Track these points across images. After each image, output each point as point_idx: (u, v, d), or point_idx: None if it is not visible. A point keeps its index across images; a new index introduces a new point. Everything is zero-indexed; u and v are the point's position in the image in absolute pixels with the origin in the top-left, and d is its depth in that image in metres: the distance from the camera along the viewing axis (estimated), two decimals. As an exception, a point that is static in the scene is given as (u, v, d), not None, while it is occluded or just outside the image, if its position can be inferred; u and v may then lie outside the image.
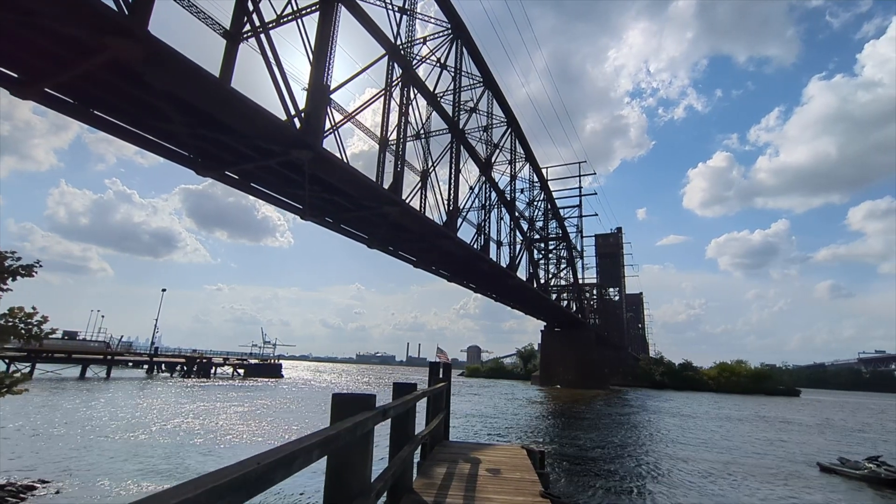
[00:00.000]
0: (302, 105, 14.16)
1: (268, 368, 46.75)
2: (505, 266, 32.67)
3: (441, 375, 7.80)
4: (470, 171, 32.19)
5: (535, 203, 45.01)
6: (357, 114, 18.59)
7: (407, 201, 20.62)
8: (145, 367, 40.81)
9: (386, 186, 19.00)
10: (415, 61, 22.51)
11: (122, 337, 55.87)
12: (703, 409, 31.89)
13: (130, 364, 43.07)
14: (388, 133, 20.58)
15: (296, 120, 13.62)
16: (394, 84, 19.72)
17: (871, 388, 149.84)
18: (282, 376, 46.52)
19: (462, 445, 6.88)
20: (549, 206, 49.39)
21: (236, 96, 11.32)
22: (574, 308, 58.54)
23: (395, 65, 20.91)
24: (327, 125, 16.12)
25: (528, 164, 40.14)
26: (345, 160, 16.54)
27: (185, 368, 39.14)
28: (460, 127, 27.43)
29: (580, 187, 65.07)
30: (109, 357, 31.45)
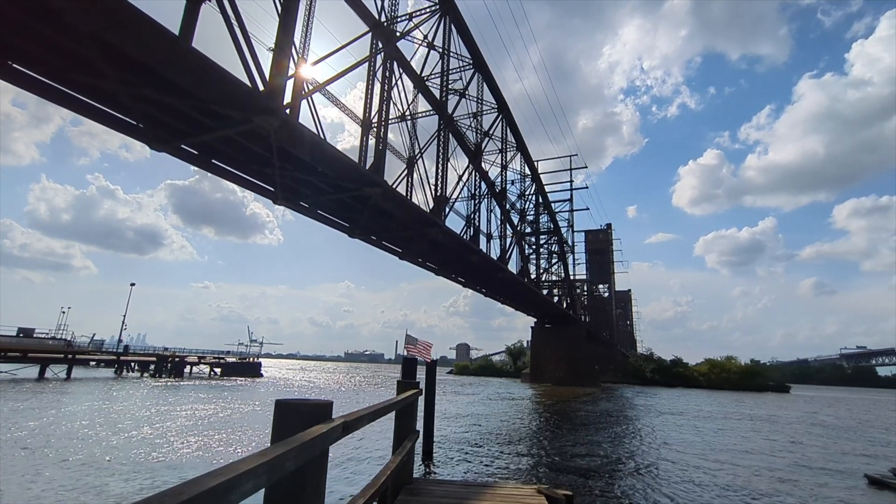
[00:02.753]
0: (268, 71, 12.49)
1: (246, 367, 44.57)
2: (495, 259, 31.18)
3: (421, 377, 6.23)
4: (459, 161, 30.66)
5: (527, 195, 43.57)
6: (332, 81, 16.85)
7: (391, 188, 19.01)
8: (116, 366, 38.45)
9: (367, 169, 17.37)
10: (399, 35, 20.81)
11: (93, 335, 53.32)
12: (705, 407, 30.77)
13: (102, 364, 40.61)
14: (371, 115, 18.97)
15: (260, 85, 11.94)
16: (377, 53, 18.02)
17: (852, 383, 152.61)
18: (261, 375, 44.42)
19: (445, 488, 4.63)
20: (540, 199, 48.01)
21: (179, 44, 9.54)
22: (565, 304, 57.40)
23: (380, 43, 19.33)
24: (297, 100, 14.50)
25: (519, 154, 38.64)
26: (321, 136, 14.87)
27: (156, 368, 36.80)
28: (449, 111, 25.81)
29: (571, 181, 63.89)
30: (70, 356, 29.19)
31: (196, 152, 14.17)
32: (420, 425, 10.75)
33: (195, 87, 10.56)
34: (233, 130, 12.50)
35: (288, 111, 13.66)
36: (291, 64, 14.12)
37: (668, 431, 16.96)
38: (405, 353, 6.71)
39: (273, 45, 12.71)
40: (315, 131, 14.78)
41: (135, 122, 12.48)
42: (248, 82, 11.54)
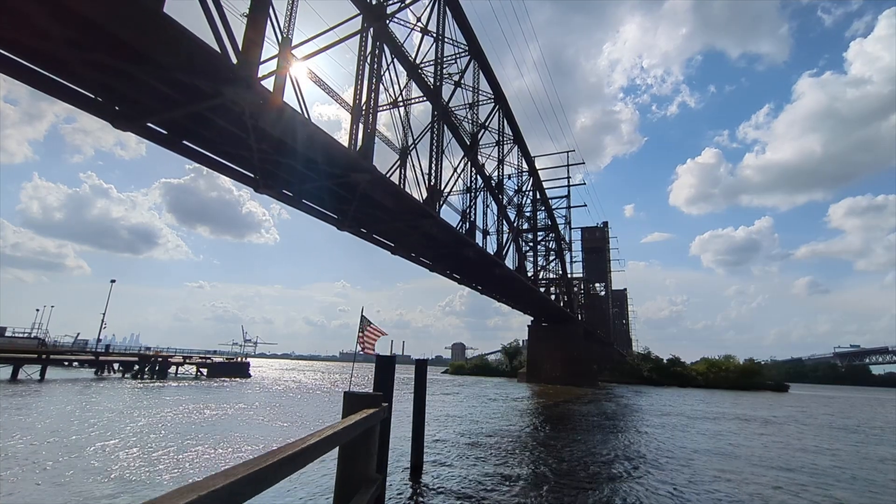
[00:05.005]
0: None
1: (233, 368, 42.96)
2: (492, 254, 30.02)
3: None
4: (454, 155, 29.48)
5: (524, 190, 42.44)
6: (316, 55, 15.64)
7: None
8: (96, 366, 36.85)
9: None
10: (390, 15, 19.58)
11: (77, 335, 51.76)
12: (710, 408, 29.73)
13: (86, 365, 38.97)
14: (361, 100, 17.73)
15: (232, 55, 10.68)
16: (367, 28, 16.80)
17: (847, 381, 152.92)
18: (249, 376, 42.95)
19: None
20: (537, 195, 46.90)
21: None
22: (562, 302, 56.35)
23: (371, 26, 18.12)
24: (280, 76, 13.24)
25: (516, 147, 37.49)
26: (305, 115, 13.61)
27: (139, 368, 35.20)
28: (444, 101, 24.63)
29: (568, 177, 62.80)
30: (44, 356, 27.64)
31: (165, 132, 12.89)
32: (414, 422, 9.45)
33: (154, 51, 9.33)
34: (202, 105, 11.26)
35: (271, 89, 12.49)
36: (273, 36, 12.94)
37: (683, 438, 15.78)
38: (360, 349, 5.10)
39: (247, 11, 11.46)
40: (299, 111, 13.54)
41: (92, 95, 11.18)
42: (217, 49, 10.29)
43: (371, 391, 4.02)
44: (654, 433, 16.77)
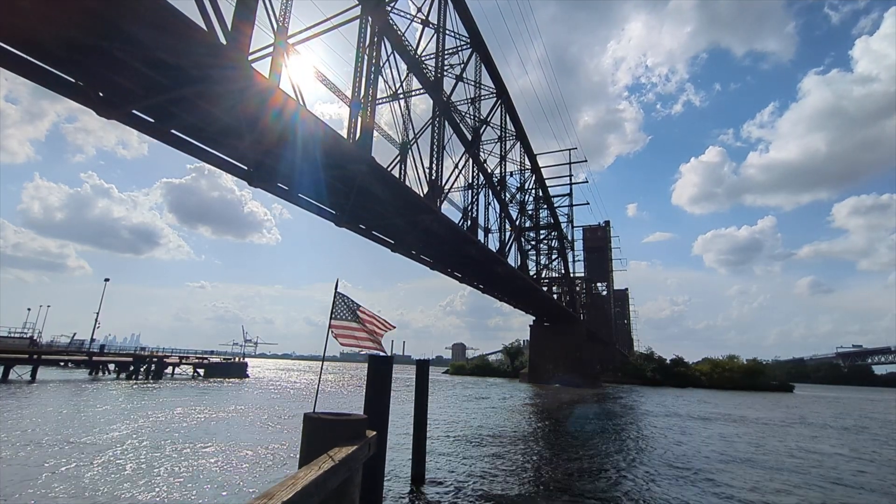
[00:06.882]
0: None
1: (231, 368, 42.25)
2: (494, 251, 29.33)
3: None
4: (455, 151, 28.86)
5: (526, 188, 41.77)
6: (311, 39, 14.99)
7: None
8: (90, 367, 36.15)
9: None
10: (391, 6, 18.92)
11: (74, 335, 51.17)
12: (722, 410, 29.03)
13: (83, 366, 38.24)
14: (360, 92, 17.07)
15: (221, 35, 10.02)
16: (366, 14, 16.14)
17: (849, 381, 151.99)
18: (247, 376, 42.29)
19: None
20: (540, 193, 46.21)
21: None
22: (564, 301, 55.64)
23: (370, 17, 17.45)
24: (275, 62, 12.56)
25: (518, 143, 36.80)
26: (299, 103, 12.93)
27: (133, 369, 34.45)
28: (446, 95, 23.96)
29: (570, 175, 62.07)
30: (36, 356, 26.93)
31: (152, 120, 12.20)
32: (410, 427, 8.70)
33: (132, 25, 8.67)
34: (189, 90, 10.61)
35: (266, 75, 11.82)
36: (269, 27, 12.29)
37: (714, 443, 14.93)
38: (339, 342, 3.82)
39: (237, -11, 10.77)
40: (293, 97, 12.85)
41: (72, 80, 10.50)
42: (203, 27, 9.62)
43: (363, 399, 3.27)
44: (672, 434, 15.96)
